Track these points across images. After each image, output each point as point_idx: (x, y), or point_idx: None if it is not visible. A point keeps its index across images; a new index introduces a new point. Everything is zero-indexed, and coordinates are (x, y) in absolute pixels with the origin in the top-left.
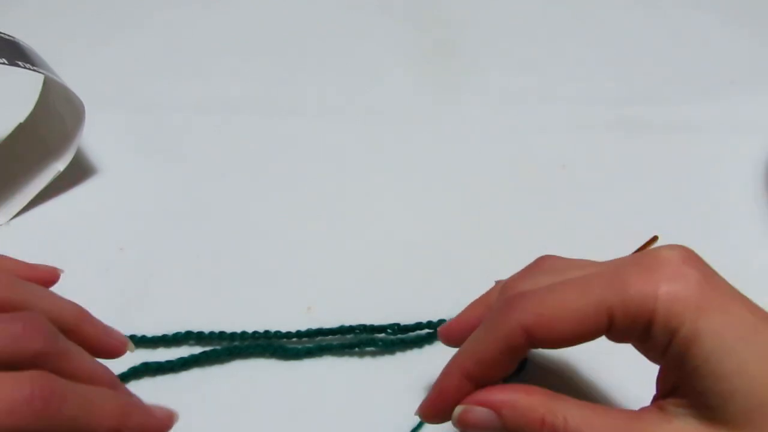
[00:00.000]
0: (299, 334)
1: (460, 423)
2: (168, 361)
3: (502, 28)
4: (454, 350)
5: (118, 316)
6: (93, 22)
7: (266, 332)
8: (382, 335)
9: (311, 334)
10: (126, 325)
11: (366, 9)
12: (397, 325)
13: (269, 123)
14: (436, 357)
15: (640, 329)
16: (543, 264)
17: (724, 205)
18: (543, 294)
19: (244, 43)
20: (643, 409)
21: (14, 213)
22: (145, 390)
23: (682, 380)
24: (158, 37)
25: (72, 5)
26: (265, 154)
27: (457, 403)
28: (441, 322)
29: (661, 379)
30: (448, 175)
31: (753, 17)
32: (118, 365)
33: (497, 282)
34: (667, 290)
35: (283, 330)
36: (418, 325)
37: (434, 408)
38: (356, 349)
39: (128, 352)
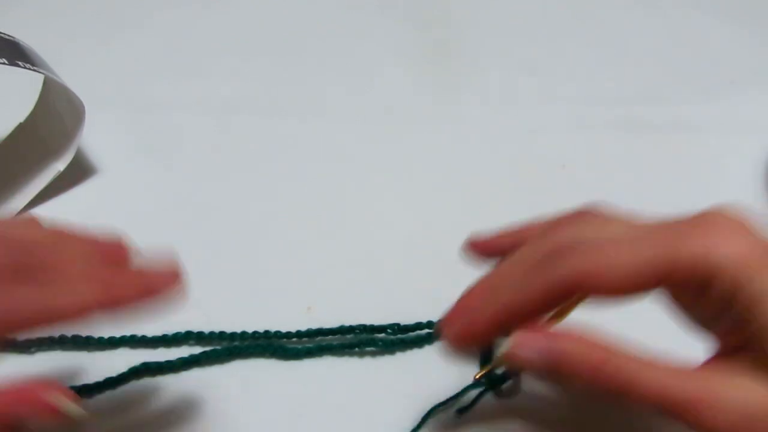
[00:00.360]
0: (299, 334)
1: (508, 355)
2: (168, 361)
3: (502, 28)
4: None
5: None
6: (93, 22)
7: (266, 332)
8: (382, 335)
9: (311, 334)
10: (126, 325)
11: (366, 9)
12: (397, 325)
13: (269, 123)
14: (436, 357)
15: (695, 287)
16: (586, 216)
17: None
18: (598, 246)
19: (244, 43)
20: (706, 364)
21: (14, 213)
22: (145, 390)
23: (748, 340)
24: (158, 37)
25: (72, 5)
26: (265, 154)
27: (484, 329)
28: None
29: (722, 339)
30: (448, 175)
31: (753, 17)
32: (118, 365)
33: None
34: (729, 250)
35: (283, 330)
36: (418, 325)
37: (458, 323)
38: (356, 349)
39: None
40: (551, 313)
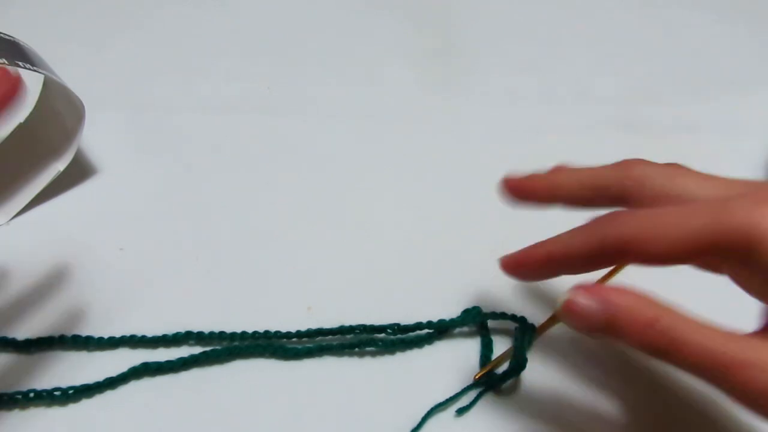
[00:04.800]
0: (299, 334)
1: (564, 310)
2: (168, 361)
3: (502, 28)
4: (450, 351)
5: (119, 316)
6: (93, 22)
7: (266, 332)
8: (382, 335)
9: (311, 334)
10: (126, 325)
11: (366, 9)
12: (397, 325)
13: (269, 123)
14: (436, 357)
15: (740, 258)
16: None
17: None
18: (647, 214)
19: (244, 43)
20: (755, 331)
21: (14, 213)
22: (145, 390)
23: None
24: (158, 37)
25: (72, 5)
26: (265, 154)
27: (533, 263)
28: (441, 322)
29: None
30: (449, 175)
31: (753, 17)
32: (118, 365)
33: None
34: None
35: (283, 330)
36: (418, 325)
37: (515, 262)
38: (356, 349)
39: None
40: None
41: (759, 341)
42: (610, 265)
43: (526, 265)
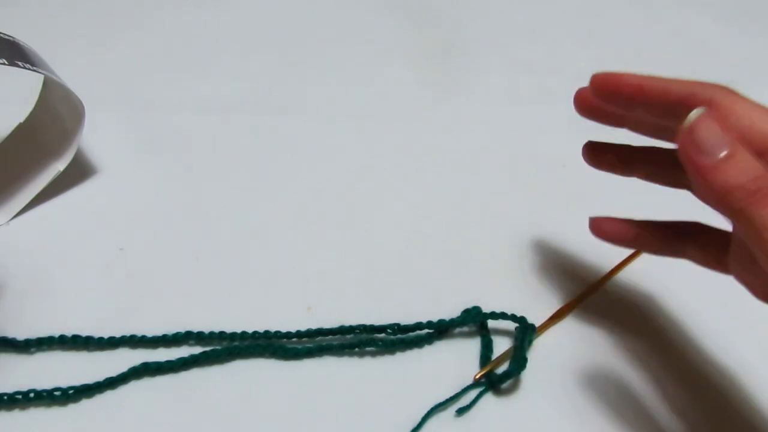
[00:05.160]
0: (299, 334)
1: (688, 130)
2: (168, 361)
3: (502, 28)
4: (450, 351)
5: (118, 316)
6: (93, 22)
7: (266, 332)
8: (382, 335)
9: (311, 334)
10: (126, 325)
11: (366, 9)
12: (397, 325)
13: (269, 123)
14: (436, 357)
15: None
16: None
17: None
18: (746, 99)
19: (244, 43)
20: None
21: (14, 213)
22: (145, 390)
23: None
24: (158, 37)
25: (72, 5)
26: (265, 154)
27: (624, 83)
28: (441, 322)
29: None
30: (449, 175)
31: (753, 17)
32: (118, 365)
33: None
34: None
35: (283, 330)
36: (418, 325)
37: (605, 80)
38: (356, 349)
39: None
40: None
41: None
42: (682, 115)
43: (616, 86)
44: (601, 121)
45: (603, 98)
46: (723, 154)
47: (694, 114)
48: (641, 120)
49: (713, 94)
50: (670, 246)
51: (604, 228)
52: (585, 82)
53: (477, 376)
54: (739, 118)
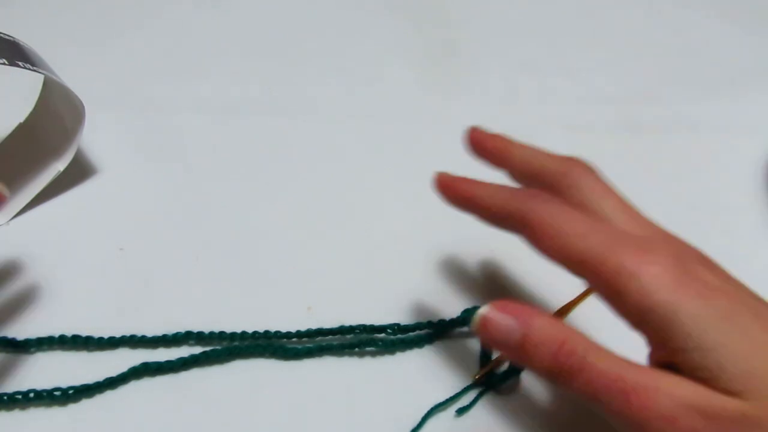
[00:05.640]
0: (299, 334)
1: (480, 324)
2: (168, 361)
3: (502, 28)
4: (450, 351)
5: (118, 316)
6: (93, 22)
7: (266, 332)
8: (382, 335)
9: (311, 334)
10: (126, 325)
11: (366, 9)
12: (397, 325)
13: (269, 123)
14: (436, 357)
15: (610, 293)
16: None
17: (724, 205)
18: (563, 210)
19: (244, 43)
20: (651, 366)
21: (14, 213)
22: (145, 390)
23: (670, 357)
24: (158, 37)
25: (72, 5)
26: (265, 154)
27: (458, 202)
28: (441, 322)
29: (652, 357)
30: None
31: (753, 17)
32: (118, 365)
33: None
34: (644, 270)
35: (283, 330)
36: (418, 325)
37: (445, 183)
38: (356, 349)
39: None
40: (558, 308)
41: (654, 371)
42: (513, 232)
43: (450, 191)
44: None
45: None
46: (517, 337)
47: (479, 312)
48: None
49: (525, 217)
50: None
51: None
52: (585, 82)
53: (477, 376)
54: (549, 245)
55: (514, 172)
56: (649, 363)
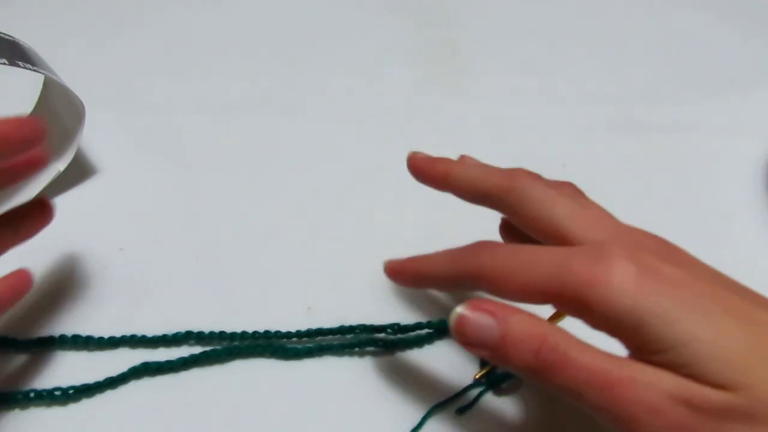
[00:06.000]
0: (299, 334)
1: (457, 324)
2: (168, 361)
3: (502, 28)
4: (450, 351)
5: (119, 316)
6: (93, 22)
7: (266, 332)
8: (382, 335)
9: (311, 334)
10: (126, 325)
11: (366, 9)
12: (397, 325)
13: (269, 123)
14: (436, 357)
15: (577, 310)
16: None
17: (724, 205)
18: (506, 252)
19: (244, 43)
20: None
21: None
22: (145, 390)
23: (648, 357)
24: (158, 37)
25: (72, 5)
26: (265, 154)
27: (410, 282)
28: (441, 322)
29: (632, 359)
30: None
31: (753, 17)
32: (118, 365)
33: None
34: (602, 280)
35: (283, 330)
36: (418, 325)
37: (393, 270)
38: (356, 349)
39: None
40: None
41: (639, 364)
42: (472, 290)
43: (400, 275)
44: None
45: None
46: (495, 336)
47: (454, 313)
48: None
49: (476, 271)
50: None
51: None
52: (585, 82)
53: (477, 376)
54: (506, 288)
55: (462, 194)
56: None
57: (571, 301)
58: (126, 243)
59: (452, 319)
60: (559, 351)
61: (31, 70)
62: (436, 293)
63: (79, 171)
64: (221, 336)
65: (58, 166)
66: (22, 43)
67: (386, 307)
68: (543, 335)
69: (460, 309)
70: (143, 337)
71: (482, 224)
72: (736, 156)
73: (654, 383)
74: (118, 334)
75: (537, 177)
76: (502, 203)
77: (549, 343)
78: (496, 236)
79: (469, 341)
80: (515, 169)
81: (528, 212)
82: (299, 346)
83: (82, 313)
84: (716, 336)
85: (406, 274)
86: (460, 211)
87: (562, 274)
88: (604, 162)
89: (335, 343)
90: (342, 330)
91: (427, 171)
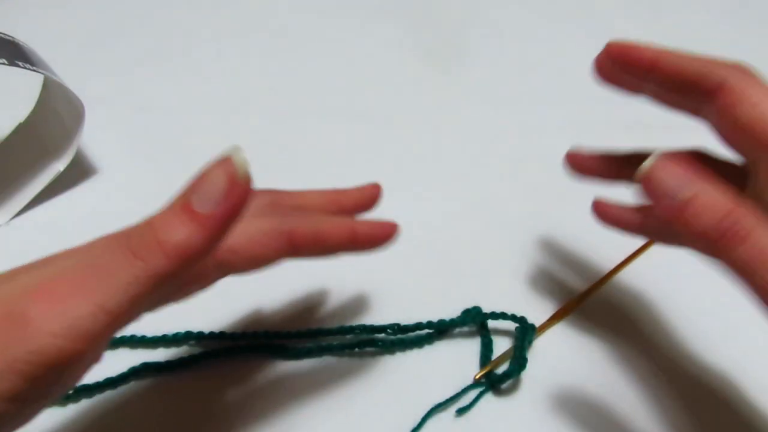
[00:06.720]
0: (299, 334)
1: (650, 172)
2: (168, 361)
3: (502, 28)
4: (450, 351)
5: None
6: (93, 22)
7: (266, 332)
8: (382, 335)
9: (311, 334)
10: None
11: (366, 9)
12: (397, 325)
13: (269, 123)
14: (436, 357)
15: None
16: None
17: None
18: (758, 85)
19: (244, 43)
20: None
21: (14, 213)
22: (145, 390)
23: None
24: (158, 37)
25: (72, 5)
26: (264, 154)
27: (642, 55)
28: (441, 322)
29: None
30: (448, 175)
31: (752, 17)
32: (118, 365)
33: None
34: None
35: (283, 330)
36: (418, 325)
37: (622, 50)
38: (356, 349)
39: None
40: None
41: None
42: (694, 101)
43: (630, 58)
44: (619, 88)
45: (618, 68)
46: (685, 196)
47: (648, 162)
48: (658, 92)
49: (726, 77)
50: (672, 236)
51: (608, 214)
52: (585, 82)
53: (477, 376)
54: (752, 106)
55: (668, 84)
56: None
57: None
58: None
59: (643, 168)
60: (743, 225)
61: (31, 70)
62: (436, 294)
63: (79, 171)
64: (221, 336)
65: (58, 166)
66: (22, 43)
67: (386, 307)
68: (732, 207)
69: (653, 159)
70: (143, 337)
71: (483, 224)
72: (736, 156)
73: None
74: (117, 334)
75: (756, 76)
76: (709, 95)
77: (735, 215)
78: (496, 236)
79: (654, 188)
80: (732, 62)
81: (747, 117)
82: (299, 346)
83: None
84: None
85: (641, 60)
86: (459, 210)
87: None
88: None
89: (335, 343)
90: (342, 330)
91: (631, 56)
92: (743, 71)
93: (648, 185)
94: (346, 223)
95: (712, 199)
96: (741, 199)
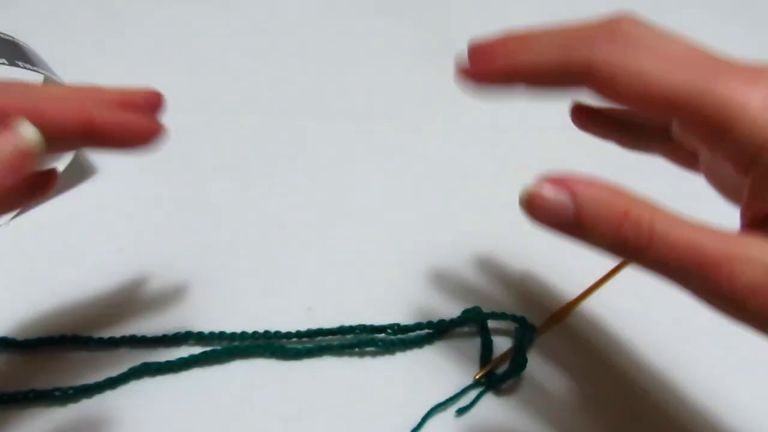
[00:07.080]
0: (299, 334)
1: (528, 206)
2: (168, 361)
3: (502, 28)
4: (450, 351)
5: (119, 316)
6: (93, 22)
7: (266, 332)
8: (382, 335)
9: (311, 334)
10: (126, 325)
11: (367, 9)
12: (397, 325)
13: (269, 123)
14: (436, 357)
15: (712, 136)
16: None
17: (724, 205)
18: (637, 48)
19: (244, 43)
20: (741, 231)
21: (14, 213)
22: (145, 390)
23: None
24: (158, 37)
25: (72, 5)
26: (265, 154)
27: (496, 72)
28: (441, 322)
29: (750, 205)
30: (448, 175)
31: (752, 17)
32: (118, 365)
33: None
34: (758, 102)
35: (283, 330)
36: (418, 325)
37: (478, 59)
38: (356, 349)
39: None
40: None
41: (741, 237)
42: (575, 88)
43: (484, 70)
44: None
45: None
46: (571, 212)
47: (523, 195)
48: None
49: (590, 62)
50: (643, 143)
51: (583, 120)
52: None
53: (477, 376)
54: (627, 85)
55: (537, 82)
56: (743, 220)
57: (707, 121)
58: (126, 243)
59: (522, 199)
60: (644, 225)
61: (31, 70)
62: (436, 294)
63: (79, 171)
64: (221, 336)
65: (58, 166)
66: (22, 43)
67: (386, 307)
68: (624, 208)
69: (529, 186)
70: (143, 337)
71: (483, 224)
72: None
73: (756, 259)
74: (118, 334)
75: (640, 22)
76: (574, 78)
77: (632, 217)
78: (496, 236)
79: (542, 221)
80: (611, 17)
81: (627, 93)
82: (299, 346)
83: (83, 313)
84: None
85: (494, 69)
86: (459, 210)
87: (707, 87)
88: (604, 162)
89: (335, 343)
90: (342, 330)
91: (483, 69)
92: (609, 45)
93: (533, 215)
94: (80, 104)
95: (601, 206)
96: (634, 194)
